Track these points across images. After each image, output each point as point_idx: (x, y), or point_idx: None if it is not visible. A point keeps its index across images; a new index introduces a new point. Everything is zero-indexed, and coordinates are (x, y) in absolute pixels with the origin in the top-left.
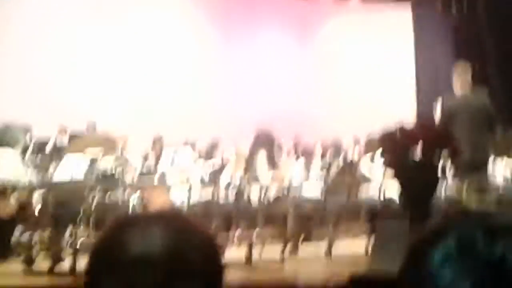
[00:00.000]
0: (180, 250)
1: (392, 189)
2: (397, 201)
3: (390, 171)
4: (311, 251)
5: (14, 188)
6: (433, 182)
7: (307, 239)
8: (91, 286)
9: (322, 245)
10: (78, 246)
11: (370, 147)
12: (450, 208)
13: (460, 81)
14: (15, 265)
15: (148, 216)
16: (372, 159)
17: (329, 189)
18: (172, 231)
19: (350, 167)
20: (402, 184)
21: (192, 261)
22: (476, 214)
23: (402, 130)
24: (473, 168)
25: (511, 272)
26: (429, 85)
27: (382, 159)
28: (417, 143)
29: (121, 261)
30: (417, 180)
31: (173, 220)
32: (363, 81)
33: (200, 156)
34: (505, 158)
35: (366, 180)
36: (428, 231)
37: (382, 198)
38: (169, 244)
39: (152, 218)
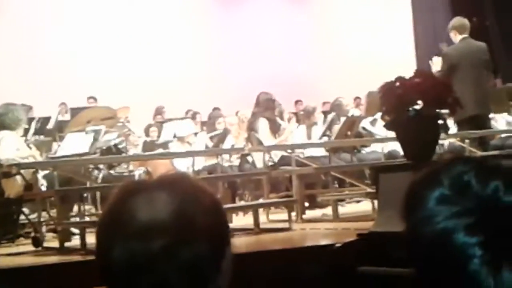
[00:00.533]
0: (186, 214)
1: (395, 143)
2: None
3: (391, 126)
4: (317, 215)
5: (19, 168)
6: (435, 133)
7: (312, 207)
8: (101, 253)
9: (328, 210)
10: (86, 223)
11: (371, 105)
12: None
13: (459, 32)
14: (24, 245)
15: (153, 181)
16: (373, 119)
17: (333, 147)
18: (178, 195)
19: (352, 123)
20: (404, 137)
21: (198, 224)
22: (468, 157)
23: (401, 81)
24: (475, 120)
25: (504, 211)
26: (428, 41)
27: (383, 116)
28: (418, 94)
29: (128, 227)
30: (418, 132)
31: (178, 184)
32: (361, 41)
33: (202, 126)
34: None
35: (369, 134)
36: (423, 175)
37: (385, 152)
38: (174, 208)
39: (157, 182)
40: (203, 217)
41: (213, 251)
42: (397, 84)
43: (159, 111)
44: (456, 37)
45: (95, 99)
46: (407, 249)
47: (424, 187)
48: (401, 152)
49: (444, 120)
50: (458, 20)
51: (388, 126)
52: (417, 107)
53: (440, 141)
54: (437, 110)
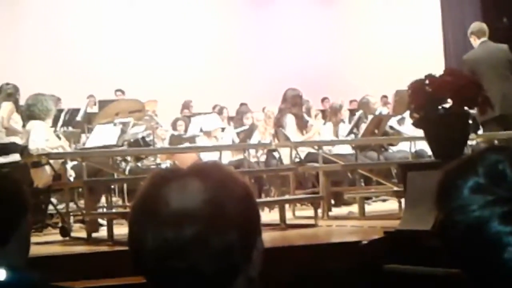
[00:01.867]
0: (218, 203)
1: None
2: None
3: (419, 123)
4: (343, 212)
5: (48, 158)
6: (464, 132)
7: (338, 204)
8: (133, 240)
9: (354, 208)
10: (113, 214)
11: (399, 104)
12: None
13: (477, 37)
14: (52, 235)
15: (186, 169)
16: (401, 118)
17: (359, 146)
18: (210, 183)
19: (379, 121)
20: (432, 136)
21: (229, 213)
22: (503, 147)
23: (431, 79)
24: (500, 121)
25: None
26: (457, 41)
27: (412, 114)
28: (447, 92)
29: (161, 214)
30: (447, 130)
31: (211, 172)
32: (389, 39)
33: (229, 121)
34: None
35: (396, 133)
36: (457, 164)
37: (412, 151)
38: (206, 196)
39: (190, 171)
40: (234, 206)
41: (244, 240)
42: (427, 81)
43: (186, 105)
44: (476, 42)
45: (122, 92)
46: (440, 238)
47: (458, 176)
48: (429, 152)
49: (474, 119)
50: (475, 25)
51: (416, 124)
52: (446, 105)
53: (469, 142)
54: (467, 109)
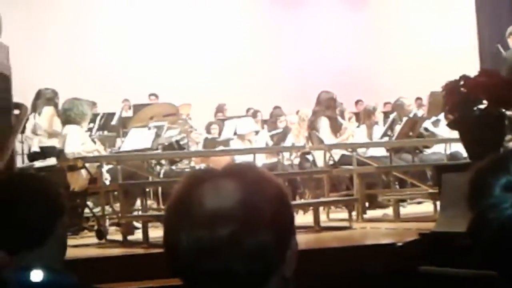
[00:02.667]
0: (252, 203)
1: (457, 144)
2: (463, 155)
3: (454, 125)
4: (378, 214)
5: (84, 162)
6: (499, 134)
7: (372, 207)
8: (168, 239)
9: (389, 210)
10: (148, 217)
11: (433, 106)
12: None
13: None
14: (88, 237)
15: (220, 170)
16: (436, 120)
17: (394, 148)
18: (244, 184)
19: (413, 123)
20: (467, 137)
21: (263, 213)
22: None
23: (466, 80)
24: None
25: None
26: (492, 42)
27: (446, 115)
28: (482, 93)
29: (195, 214)
30: (482, 132)
31: (245, 173)
32: (423, 40)
33: (263, 124)
34: None
35: (431, 135)
36: (489, 162)
37: (447, 153)
38: (241, 197)
39: (224, 171)
40: (268, 206)
41: (278, 241)
42: (461, 82)
43: (220, 109)
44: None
45: (156, 96)
46: (473, 236)
47: (490, 174)
48: (464, 154)
49: (510, 120)
50: None
51: (451, 125)
52: (481, 106)
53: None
54: (503, 110)
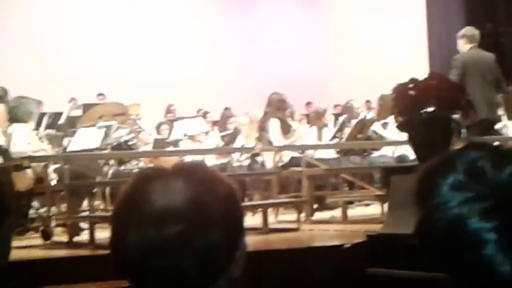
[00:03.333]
0: (202, 202)
1: (404, 147)
2: (411, 158)
3: (403, 127)
4: (326, 216)
5: (30, 161)
6: (447, 136)
7: (321, 209)
8: (115, 238)
9: (337, 212)
10: (95, 218)
11: (383, 108)
12: None
13: (469, 41)
14: (33, 239)
15: (170, 168)
16: (384, 122)
17: (343, 150)
18: (194, 183)
19: (363, 126)
20: (415, 139)
21: (213, 213)
22: (482, 143)
23: (415, 82)
24: (484, 124)
25: None
26: (442, 45)
27: (396, 117)
28: (431, 96)
29: (144, 212)
30: (431, 134)
31: (195, 172)
32: (373, 44)
33: (213, 125)
34: None
35: (380, 138)
36: (436, 161)
37: (395, 155)
38: (190, 195)
39: (174, 170)
40: (218, 206)
41: (227, 241)
42: (411, 85)
43: (169, 110)
44: (465, 46)
45: (104, 95)
46: (420, 236)
47: (438, 173)
48: (411, 157)
49: (458, 123)
50: (470, 29)
51: (400, 127)
52: (430, 109)
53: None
54: (451, 113)
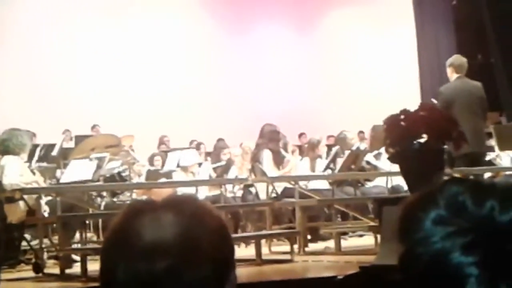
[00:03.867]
0: (192, 236)
1: (399, 177)
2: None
3: (395, 158)
4: (320, 247)
5: (22, 193)
6: (439, 167)
7: (314, 240)
8: (105, 272)
9: (330, 243)
10: (87, 250)
11: (375, 139)
12: None
13: (456, 71)
14: (25, 271)
15: (160, 201)
16: (378, 153)
17: (336, 181)
18: (184, 217)
19: (356, 156)
20: (407, 170)
21: (203, 247)
22: (463, 178)
23: (406, 114)
24: (470, 158)
25: (500, 230)
26: (433, 76)
27: (387, 149)
28: (422, 127)
29: (133, 246)
30: (422, 165)
31: (185, 205)
32: (367, 75)
33: (206, 156)
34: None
35: (373, 169)
36: (418, 196)
37: (389, 186)
38: (180, 229)
39: (164, 203)
40: (208, 239)
41: (217, 274)
42: (402, 116)
43: (162, 141)
44: (452, 75)
45: (98, 126)
46: (403, 271)
47: (420, 208)
48: (405, 187)
49: (449, 154)
50: (457, 58)
51: (392, 159)
52: (421, 140)
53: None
54: (442, 144)
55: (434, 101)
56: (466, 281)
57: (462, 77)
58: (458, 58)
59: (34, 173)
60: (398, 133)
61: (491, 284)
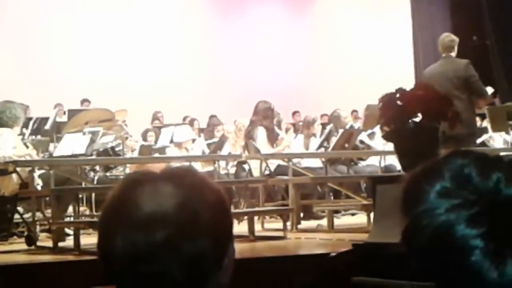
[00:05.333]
0: (191, 208)
1: (392, 157)
2: (397, 168)
3: (389, 137)
4: (312, 225)
5: (15, 166)
6: (434, 146)
7: (307, 218)
8: (103, 241)
9: (323, 221)
10: (80, 223)
11: (369, 118)
12: None
13: (442, 51)
14: (17, 244)
15: (159, 172)
16: (371, 132)
17: (329, 159)
18: (183, 188)
19: (349, 135)
20: (401, 149)
21: (202, 219)
22: (468, 151)
23: (402, 93)
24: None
25: (506, 202)
26: (427, 56)
27: (382, 127)
28: (418, 106)
29: (132, 216)
30: (417, 144)
31: (184, 177)
32: (361, 54)
33: (200, 132)
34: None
35: (366, 148)
36: (423, 169)
37: (382, 166)
38: (179, 201)
39: (163, 174)
40: (207, 212)
41: (215, 247)
42: (398, 95)
43: (155, 117)
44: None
45: (89, 101)
46: (407, 243)
47: (424, 180)
48: (398, 167)
49: (444, 133)
50: (442, 37)
51: (386, 137)
52: (416, 119)
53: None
54: (437, 124)
55: None
56: (471, 253)
57: (447, 57)
58: (441, 38)
59: (27, 146)
60: (393, 112)
61: (496, 256)
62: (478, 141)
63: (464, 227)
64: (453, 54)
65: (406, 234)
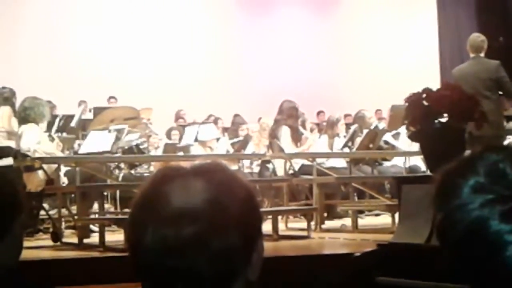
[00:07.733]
0: (220, 203)
1: (416, 157)
2: (421, 169)
3: (415, 137)
4: (336, 225)
5: (42, 163)
6: (460, 147)
7: (330, 217)
8: (133, 237)
9: (347, 221)
10: (105, 220)
11: (394, 119)
12: None
13: (471, 51)
14: (43, 240)
15: (190, 168)
16: (396, 133)
17: (354, 159)
18: (213, 184)
19: (374, 135)
20: (427, 149)
21: (231, 215)
22: (502, 147)
23: (428, 93)
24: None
25: None
26: (453, 57)
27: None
28: (444, 106)
29: (162, 211)
30: (443, 144)
31: (215, 173)
32: (386, 53)
33: (224, 131)
34: None
35: (391, 148)
36: (457, 164)
37: (406, 166)
38: (209, 196)
39: (194, 170)
40: (237, 208)
41: (244, 243)
42: (424, 95)
43: (178, 115)
44: (471, 55)
45: (115, 99)
46: (440, 238)
47: (458, 175)
48: (422, 167)
49: (470, 133)
50: (471, 37)
51: (412, 137)
52: (443, 119)
53: None
54: (463, 124)
55: None
56: (505, 248)
57: (477, 57)
58: (472, 38)
59: (53, 139)
60: (419, 111)
61: None
62: (505, 143)
63: (498, 223)
64: (482, 54)
65: (439, 229)
